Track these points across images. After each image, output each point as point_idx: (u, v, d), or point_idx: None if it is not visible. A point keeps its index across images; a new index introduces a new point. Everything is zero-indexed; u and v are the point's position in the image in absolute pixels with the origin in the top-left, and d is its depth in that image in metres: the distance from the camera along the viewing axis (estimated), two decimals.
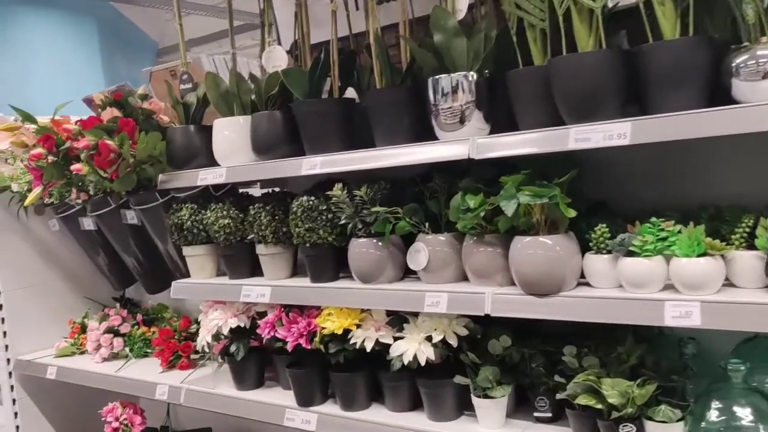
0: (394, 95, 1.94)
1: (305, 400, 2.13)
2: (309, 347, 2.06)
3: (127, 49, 7.68)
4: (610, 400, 1.58)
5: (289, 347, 2.09)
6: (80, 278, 3.20)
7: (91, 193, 2.64)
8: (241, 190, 2.60)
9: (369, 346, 1.95)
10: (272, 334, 2.15)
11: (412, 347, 1.87)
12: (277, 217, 2.18)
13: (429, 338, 1.87)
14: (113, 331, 2.91)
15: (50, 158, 2.55)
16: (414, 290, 1.86)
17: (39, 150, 2.51)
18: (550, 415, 1.81)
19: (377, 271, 1.95)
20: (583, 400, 1.62)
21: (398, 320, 1.98)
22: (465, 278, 1.88)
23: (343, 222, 1.98)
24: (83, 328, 3.03)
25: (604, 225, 1.66)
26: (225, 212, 2.27)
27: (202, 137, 2.40)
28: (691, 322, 1.45)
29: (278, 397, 2.23)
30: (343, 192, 1.94)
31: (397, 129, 1.93)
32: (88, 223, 2.88)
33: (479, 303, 1.73)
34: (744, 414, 1.54)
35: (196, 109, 2.45)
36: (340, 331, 1.99)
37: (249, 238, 2.24)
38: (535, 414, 1.82)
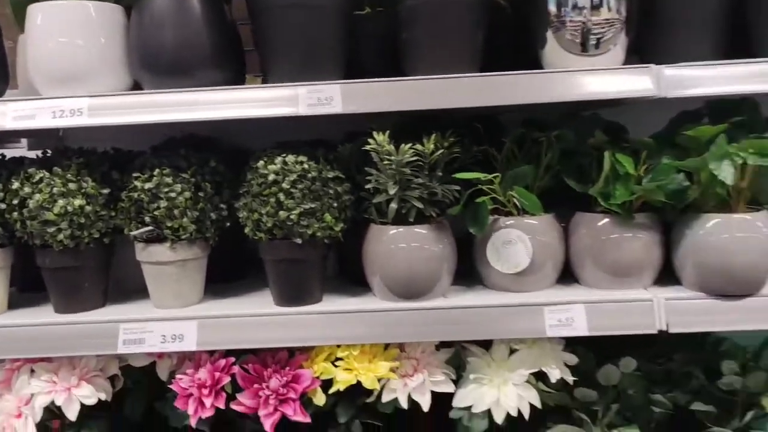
0: None
1: None
2: (307, 420, 1.16)
3: None
4: None
5: (269, 429, 1.14)
6: None
7: None
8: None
9: (426, 404, 1.17)
10: (216, 405, 1.15)
11: (506, 395, 1.17)
12: (202, 194, 1.19)
13: (536, 375, 1.20)
14: None
15: None
16: (521, 304, 1.17)
17: None
18: None
19: (432, 277, 1.19)
20: None
21: (455, 356, 1.24)
22: (567, 280, 1.27)
23: (382, 198, 1.16)
24: None
25: None
26: (72, 183, 1.16)
27: None
28: None
29: None
30: (406, 149, 1.12)
31: (459, 47, 1.20)
32: None
33: (646, 315, 1.16)
34: None
35: None
36: (374, 386, 1.16)
37: (142, 232, 1.18)
38: None
